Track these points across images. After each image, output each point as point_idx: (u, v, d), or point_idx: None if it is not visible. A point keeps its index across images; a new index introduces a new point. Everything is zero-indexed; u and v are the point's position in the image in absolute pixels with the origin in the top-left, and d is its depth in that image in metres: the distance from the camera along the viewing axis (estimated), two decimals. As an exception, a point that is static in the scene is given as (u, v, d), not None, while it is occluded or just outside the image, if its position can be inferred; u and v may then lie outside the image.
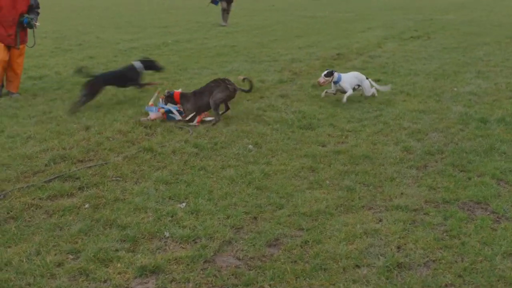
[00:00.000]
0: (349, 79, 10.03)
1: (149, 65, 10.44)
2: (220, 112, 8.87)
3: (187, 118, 8.80)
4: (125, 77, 10.07)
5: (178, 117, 8.89)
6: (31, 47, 10.93)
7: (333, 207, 5.77)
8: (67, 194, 6.08)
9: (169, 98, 8.92)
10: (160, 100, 9.10)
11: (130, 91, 10.89)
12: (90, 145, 7.64)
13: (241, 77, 11.74)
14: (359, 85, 10.09)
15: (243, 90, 9.11)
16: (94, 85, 9.58)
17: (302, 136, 8.13)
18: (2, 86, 10.63)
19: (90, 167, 6.82)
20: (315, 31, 21.09)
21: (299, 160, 7.16)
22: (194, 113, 8.83)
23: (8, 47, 10.49)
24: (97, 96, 9.70)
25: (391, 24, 22.87)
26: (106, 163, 6.95)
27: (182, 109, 8.96)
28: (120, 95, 10.51)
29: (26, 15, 10.46)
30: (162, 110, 8.94)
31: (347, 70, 12.72)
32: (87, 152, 7.40)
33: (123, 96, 10.47)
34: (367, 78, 10.22)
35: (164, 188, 6.27)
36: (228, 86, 8.87)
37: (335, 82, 9.96)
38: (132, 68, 10.15)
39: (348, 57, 15.07)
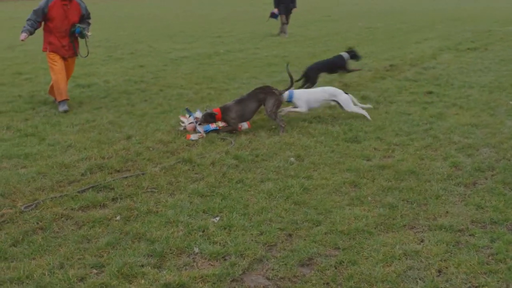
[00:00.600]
0: (305, 95, 9.34)
1: (353, 55, 11.91)
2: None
3: (228, 129, 8.63)
4: (335, 65, 11.77)
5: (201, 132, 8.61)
6: (84, 57, 10.76)
7: (372, 226, 5.49)
8: (100, 205, 5.96)
9: (210, 117, 8.60)
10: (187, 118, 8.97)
11: (176, 100, 10.83)
12: (129, 154, 7.54)
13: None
14: (334, 100, 9.36)
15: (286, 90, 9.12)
16: (311, 71, 11.42)
17: (347, 149, 7.86)
18: (56, 99, 10.38)
19: (126, 177, 6.70)
20: (369, 42, 20.70)
21: (341, 175, 6.90)
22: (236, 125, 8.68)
23: (63, 58, 10.47)
24: (316, 82, 11.36)
25: (447, 35, 22.29)
26: (142, 174, 6.83)
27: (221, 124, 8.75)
28: (165, 105, 10.44)
29: (78, 25, 10.33)
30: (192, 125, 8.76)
31: (399, 81, 12.45)
32: (125, 162, 7.29)
33: (168, 105, 10.39)
34: (346, 93, 9.44)
35: (199, 201, 6.09)
36: (274, 91, 8.81)
37: (289, 101, 9.29)
38: (340, 57, 11.78)
39: (400, 68, 14.66)
